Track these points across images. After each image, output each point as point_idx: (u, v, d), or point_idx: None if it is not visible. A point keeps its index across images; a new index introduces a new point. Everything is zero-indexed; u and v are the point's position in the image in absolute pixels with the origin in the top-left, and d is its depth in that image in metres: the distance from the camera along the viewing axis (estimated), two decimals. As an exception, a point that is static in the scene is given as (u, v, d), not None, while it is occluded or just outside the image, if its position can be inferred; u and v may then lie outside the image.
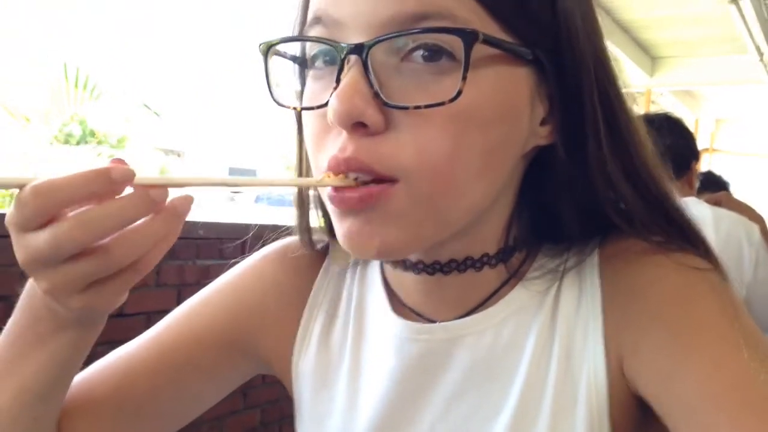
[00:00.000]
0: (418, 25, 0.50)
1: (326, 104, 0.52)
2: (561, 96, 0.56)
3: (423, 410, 0.64)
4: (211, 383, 0.72)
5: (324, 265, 0.74)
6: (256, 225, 0.80)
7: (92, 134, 11.59)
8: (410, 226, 0.53)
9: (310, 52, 0.56)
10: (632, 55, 6.34)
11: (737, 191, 2.83)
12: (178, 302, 0.72)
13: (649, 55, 6.76)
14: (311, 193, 0.68)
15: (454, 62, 0.50)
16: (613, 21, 5.71)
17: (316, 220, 0.69)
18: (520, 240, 0.63)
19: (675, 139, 2.02)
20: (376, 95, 0.50)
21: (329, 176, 0.52)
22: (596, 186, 0.59)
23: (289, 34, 0.59)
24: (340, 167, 0.51)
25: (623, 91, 0.60)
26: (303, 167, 0.66)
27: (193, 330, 0.70)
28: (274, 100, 0.58)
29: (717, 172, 3.13)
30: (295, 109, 0.59)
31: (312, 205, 0.69)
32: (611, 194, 0.59)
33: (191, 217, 0.49)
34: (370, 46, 0.50)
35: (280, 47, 0.58)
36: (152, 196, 0.45)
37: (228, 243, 2.20)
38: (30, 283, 0.54)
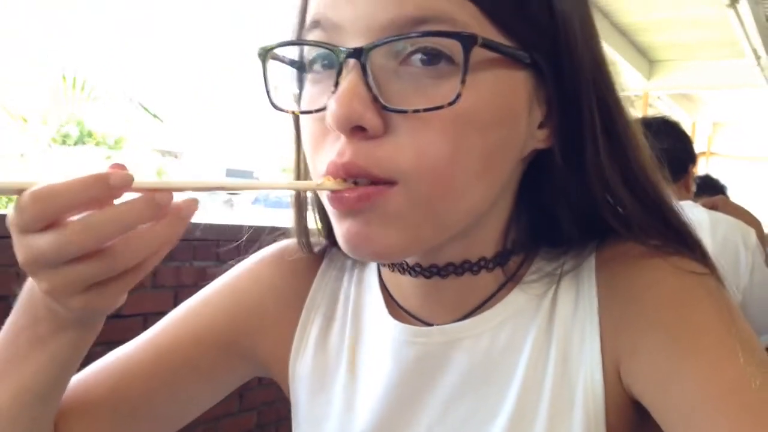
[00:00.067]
0: (417, 28, 0.50)
1: (324, 108, 0.52)
2: (559, 100, 0.57)
3: (420, 413, 0.64)
4: (207, 385, 0.72)
5: (321, 267, 0.74)
6: (250, 227, 0.80)
7: (90, 135, 11.58)
8: (409, 228, 0.53)
9: (309, 56, 0.56)
10: (630, 58, 6.35)
11: (734, 195, 2.83)
12: (175, 304, 0.72)
13: (646, 59, 6.78)
14: (309, 195, 0.68)
15: (453, 66, 0.50)
16: (610, 24, 5.72)
17: (313, 222, 0.70)
18: (517, 243, 0.63)
19: (672, 143, 2.02)
20: (374, 99, 0.50)
21: (328, 180, 0.52)
22: (594, 190, 0.59)
23: (287, 37, 0.59)
24: (339, 173, 0.52)
25: (621, 94, 0.60)
26: (301, 170, 0.66)
27: (191, 332, 0.70)
28: (272, 104, 0.58)
29: (714, 175, 3.14)
30: (293, 113, 0.59)
31: (309, 207, 0.69)
32: (609, 198, 0.59)
33: (188, 218, 0.49)
34: (369, 50, 0.50)
35: (278, 51, 0.58)
36: (157, 200, 0.45)
37: (225, 245, 2.19)
38: (29, 284, 0.54)
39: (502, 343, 0.61)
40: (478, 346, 0.62)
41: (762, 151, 8.93)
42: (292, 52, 0.60)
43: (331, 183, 0.52)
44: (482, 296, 0.63)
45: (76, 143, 11.20)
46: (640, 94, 6.94)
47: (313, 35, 0.54)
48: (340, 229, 0.55)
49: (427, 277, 0.62)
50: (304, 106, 0.57)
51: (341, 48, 0.51)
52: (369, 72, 0.50)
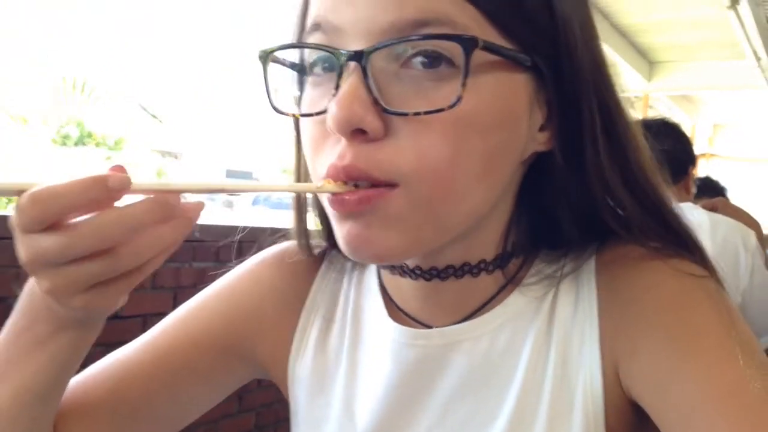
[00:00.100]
0: (418, 31, 0.50)
1: (325, 111, 0.52)
2: (559, 102, 0.57)
3: (419, 416, 0.64)
4: (206, 387, 0.72)
5: (321, 269, 0.74)
6: (245, 228, 0.80)
7: (90, 136, 11.58)
8: (409, 230, 0.53)
9: (309, 58, 0.56)
10: (630, 59, 6.35)
11: (734, 196, 2.83)
12: (174, 305, 0.72)
13: (646, 60, 6.78)
14: (309, 196, 0.68)
15: (454, 69, 0.50)
16: (610, 25, 5.72)
17: (313, 223, 0.69)
18: (517, 246, 0.63)
19: (672, 144, 2.02)
20: (375, 102, 0.50)
21: (328, 182, 0.52)
22: (594, 192, 0.59)
23: (288, 40, 0.59)
24: (339, 176, 0.52)
25: (621, 96, 0.60)
26: (301, 172, 0.66)
27: (190, 334, 0.70)
28: (273, 107, 0.58)
29: (714, 177, 3.14)
30: (293, 116, 0.59)
31: (310, 208, 0.69)
32: (609, 200, 0.59)
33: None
34: (370, 53, 0.50)
35: (279, 54, 0.58)
36: (168, 202, 0.45)
37: (224, 246, 2.19)
38: (29, 285, 0.54)
39: (502, 346, 0.61)
40: (478, 349, 0.62)
41: (762, 153, 8.93)
42: (293, 55, 0.60)
43: (332, 186, 0.52)
44: (482, 298, 0.63)
45: (76, 144, 11.20)
46: (641, 95, 6.94)
47: (313, 38, 0.54)
48: (340, 232, 0.55)
49: (427, 280, 0.62)
50: (304, 109, 0.57)
51: (342, 51, 0.51)
52: (369, 75, 0.50)
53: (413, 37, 0.50)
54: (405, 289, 0.65)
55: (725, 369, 0.51)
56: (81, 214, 0.44)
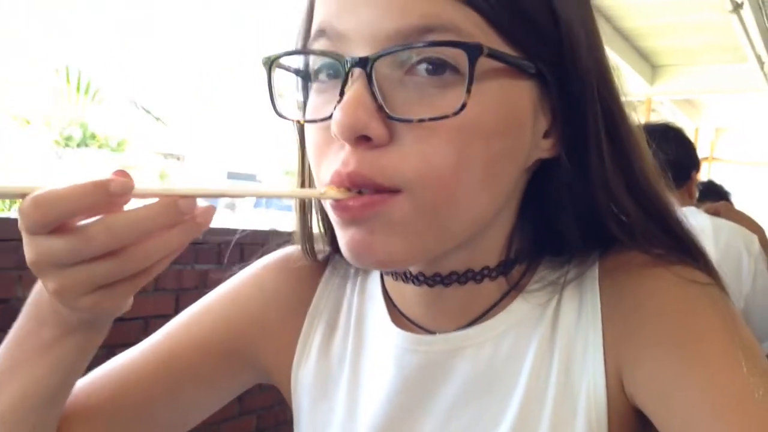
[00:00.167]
0: (422, 38, 0.50)
1: (330, 117, 0.52)
2: (563, 109, 0.57)
3: (422, 421, 0.64)
4: (209, 392, 0.72)
5: (325, 275, 0.74)
6: (246, 230, 0.80)
7: (93, 138, 11.59)
8: (413, 236, 0.53)
9: (314, 65, 0.56)
10: (633, 63, 6.34)
11: (737, 200, 2.83)
12: (177, 307, 0.72)
13: (649, 63, 6.77)
14: (313, 201, 0.68)
15: (458, 75, 0.50)
16: (613, 29, 5.71)
17: (317, 228, 0.69)
18: (521, 252, 0.63)
19: (675, 149, 2.02)
20: (380, 108, 0.50)
21: (331, 188, 0.52)
22: (598, 198, 0.59)
23: (293, 46, 0.59)
24: (343, 182, 0.52)
25: (624, 100, 0.60)
26: (305, 177, 0.66)
27: (193, 338, 0.70)
28: (277, 113, 0.58)
29: (717, 181, 3.14)
30: (298, 122, 0.59)
31: (313, 211, 0.69)
32: (612, 207, 0.59)
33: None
34: (375, 60, 0.50)
35: (284, 60, 0.58)
36: (180, 207, 0.45)
37: (227, 248, 2.19)
38: (37, 288, 0.54)
39: (505, 352, 0.61)
40: (481, 355, 0.62)
41: (765, 156, 8.92)
42: (298, 62, 0.60)
43: (335, 192, 0.52)
44: (485, 305, 0.63)
45: (79, 145, 11.21)
46: (643, 99, 6.93)
47: (318, 44, 0.54)
48: (343, 238, 0.55)
49: (431, 286, 0.62)
50: (309, 115, 0.57)
51: (346, 57, 0.51)
52: (374, 81, 0.50)
53: (418, 44, 0.50)
54: (408, 295, 0.65)
55: (729, 377, 0.51)
56: (84, 218, 0.45)
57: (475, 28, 0.51)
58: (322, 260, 0.73)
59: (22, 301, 0.57)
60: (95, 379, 0.68)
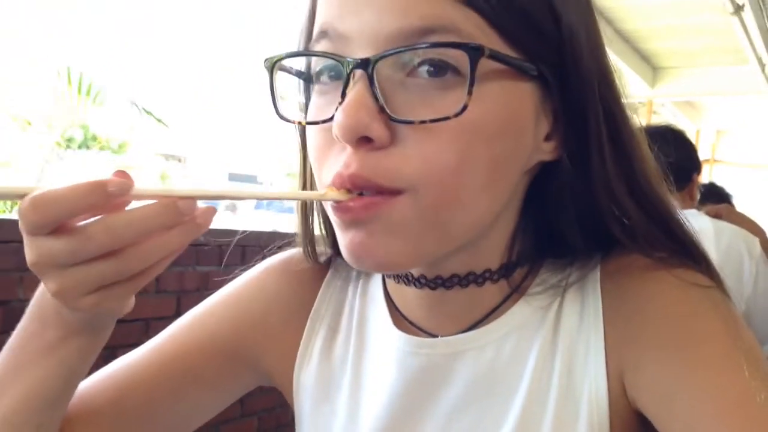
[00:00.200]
0: (424, 39, 0.50)
1: (331, 119, 0.52)
2: (565, 111, 0.56)
3: (424, 424, 0.64)
4: (211, 394, 0.72)
5: (327, 277, 0.74)
6: (246, 231, 0.80)
7: (94, 139, 11.59)
8: (413, 238, 0.53)
9: (316, 67, 0.56)
10: (634, 65, 6.34)
11: (738, 202, 2.83)
12: (178, 309, 0.72)
13: (650, 66, 6.76)
14: (314, 203, 0.68)
15: (459, 77, 0.50)
16: (614, 31, 5.71)
17: (319, 230, 0.69)
18: (522, 255, 0.63)
19: (676, 151, 2.01)
20: (381, 110, 0.50)
21: (332, 190, 0.52)
22: (599, 201, 0.59)
23: (294, 48, 0.59)
24: (345, 184, 0.51)
25: (625, 103, 0.60)
26: (307, 179, 0.66)
27: (196, 340, 0.70)
28: (279, 115, 0.58)
29: (719, 183, 3.13)
30: (299, 123, 0.59)
31: (315, 213, 0.69)
32: (614, 210, 0.59)
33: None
34: (376, 61, 0.50)
35: (285, 62, 0.58)
36: (181, 207, 0.45)
37: (228, 250, 2.19)
38: (40, 290, 0.55)
39: (507, 355, 0.61)
40: (483, 358, 0.62)
41: (766, 159, 8.92)
42: (299, 63, 0.60)
43: (336, 193, 0.52)
44: (487, 308, 0.63)
45: (80, 147, 11.21)
46: (644, 101, 6.92)
47: (320, 46, 0.54)
48: (343, 240, 0.55)
49: (432, 289, 0.62)
50: (310, 117, 0.57)
51: (348, 59, 0.51)
52: (376, 83, 0.50)
53: (419, 45, 0.50)
54: (410, 297, 0.65)
55: (731, 380, 0.51)
56: (83, 219, 0.45)
57: (476, 29, 0.51)
58: (323, 263, 0.73)
59: (23, 302, 0.57)
60: (98, 381, 0.68)
